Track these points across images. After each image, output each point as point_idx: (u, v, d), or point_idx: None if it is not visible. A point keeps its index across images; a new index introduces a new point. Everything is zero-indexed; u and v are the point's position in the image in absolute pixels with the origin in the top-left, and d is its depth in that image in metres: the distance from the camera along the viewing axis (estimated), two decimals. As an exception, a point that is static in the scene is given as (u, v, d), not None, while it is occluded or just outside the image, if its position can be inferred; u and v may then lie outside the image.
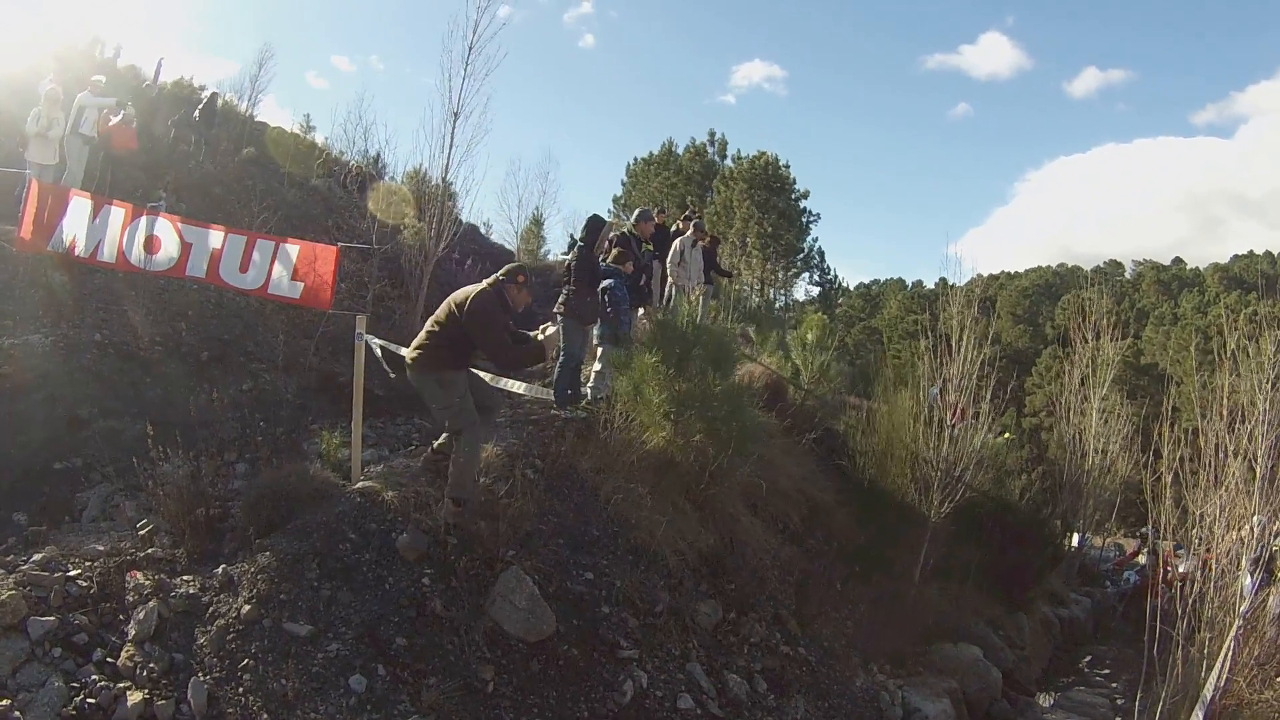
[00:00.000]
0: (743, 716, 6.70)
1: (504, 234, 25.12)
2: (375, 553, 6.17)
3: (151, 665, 5.26)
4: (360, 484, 6.97)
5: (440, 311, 6.79)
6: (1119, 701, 10.32)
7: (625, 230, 10.72)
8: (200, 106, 18.19)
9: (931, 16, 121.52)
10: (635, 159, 45.68)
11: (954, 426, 10.72)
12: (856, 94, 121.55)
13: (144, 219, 7.23)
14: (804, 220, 41.37)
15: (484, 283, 6.83)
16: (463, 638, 5.89)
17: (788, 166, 40.64)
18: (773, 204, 39.59)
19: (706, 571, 7.90)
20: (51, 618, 5.37)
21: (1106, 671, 12.54)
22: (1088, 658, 13.43)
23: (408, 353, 6.84)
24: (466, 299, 6.63)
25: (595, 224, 9.19)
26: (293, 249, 7.05)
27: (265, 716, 5.08)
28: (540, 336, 7.13)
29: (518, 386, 9.55)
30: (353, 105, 37.20)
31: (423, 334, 6.78)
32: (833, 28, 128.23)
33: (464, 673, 5.71)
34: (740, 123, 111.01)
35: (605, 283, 8.91)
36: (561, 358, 8.59)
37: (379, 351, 7.59)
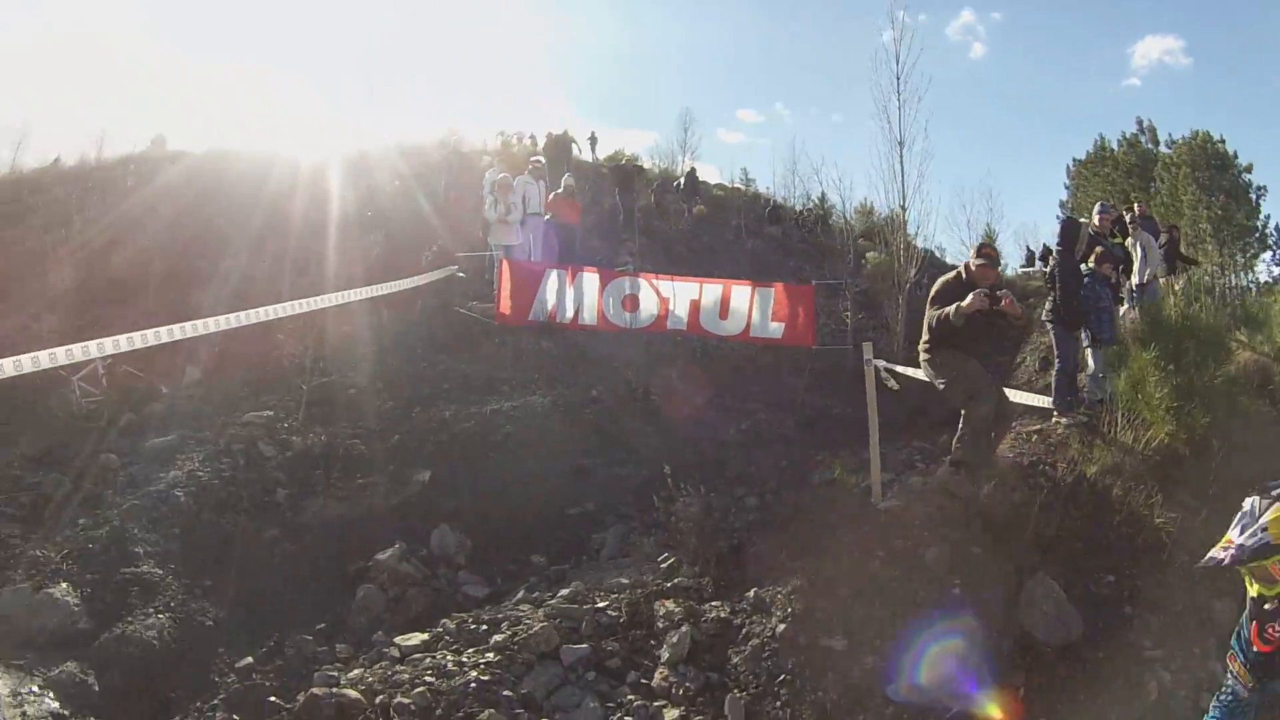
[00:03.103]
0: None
1: (957, 255, 24.78)
2: (904, 569, 6.38)
3: (686, 684, 5.79)
4: (883, 504, 7.23)
5: None
6: None
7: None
8: (684, 178, 20.13)
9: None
10: (1074, 160, 43.89)
11: None
12: (1255, 52, 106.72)
13: (619, 280, 7.96)
14: (1253, 196, 37.40)
15: None
16: (993, 645, 5.96)
17: (1223, 141, 37.10)
18: (1218, 183, 36.11)
19: (1223, 569, 7.44)
20: (584, 645, 6.14)
21: None
22: None
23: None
24: None
25: (1071, 227, 8.66)
26: (769, 291, 7.48)
27: (804, 726, 5.36)
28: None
29: (1015, 395, 9.38)
30: (788, 154, 39.61)
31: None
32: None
33: (996, 679, 5.75)
34: (1155, 104, 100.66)
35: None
36: (1057, 364, 8.44)
37: (883, 372, 7.81)
